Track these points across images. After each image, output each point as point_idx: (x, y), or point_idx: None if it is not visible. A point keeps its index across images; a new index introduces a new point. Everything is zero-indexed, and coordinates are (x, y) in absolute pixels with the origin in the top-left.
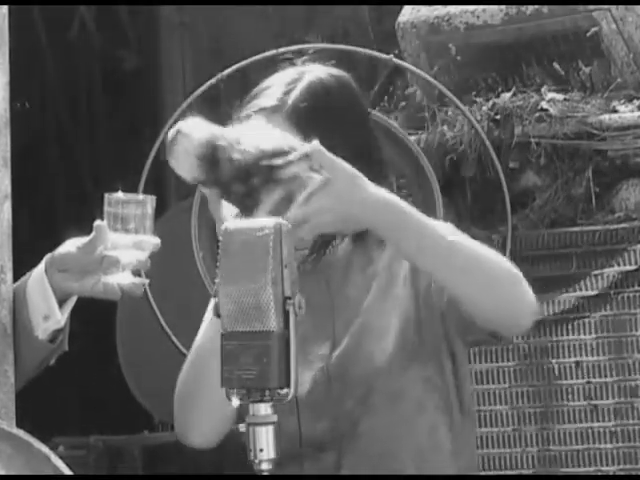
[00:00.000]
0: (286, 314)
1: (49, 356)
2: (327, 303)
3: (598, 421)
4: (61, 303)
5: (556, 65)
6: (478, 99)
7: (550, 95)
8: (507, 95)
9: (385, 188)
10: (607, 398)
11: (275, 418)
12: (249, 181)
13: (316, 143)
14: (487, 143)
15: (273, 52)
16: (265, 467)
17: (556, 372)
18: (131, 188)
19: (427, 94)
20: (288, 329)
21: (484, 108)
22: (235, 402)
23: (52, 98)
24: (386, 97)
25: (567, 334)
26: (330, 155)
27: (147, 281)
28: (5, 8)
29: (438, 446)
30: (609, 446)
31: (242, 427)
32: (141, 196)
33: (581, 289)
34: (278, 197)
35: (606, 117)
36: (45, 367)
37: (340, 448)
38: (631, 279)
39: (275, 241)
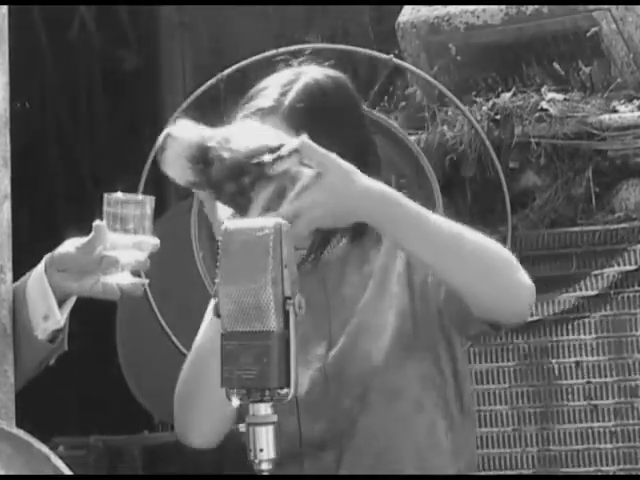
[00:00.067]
0: (286, 314)
1: (49, 356)
2: (323, 303)
3: (598, 421)
4: (61, 303)
5: (556, 65)
6: (478, 99)
7: (550, 95)
8: (507, 95)
9: None
10: (607, 398)
11: (275, 418)
12: (241, 180)
13: (304, 137)
14: (487, 143)
15: (273, 52)
16: (265, 467)
17: (556, 372)
18: (131, 188)
19: (427, 94)
20: (288, 329)
21: (484, 108)
22: (235, 402)
23: (52, 98)
24: (386, 97)
25: (567, 334)
26: (319, 148)
27: (146, 281)
28: (5, 8)
29: (437, 444)
30: (609, 446)
31: (242, 427)
32: (140, 196)
33: (581, 289)
34: (270, 194)
35: (606, 117)
36: (45, 367)
37: (340, 447)
38: (631, 279)
39: (275, 241)
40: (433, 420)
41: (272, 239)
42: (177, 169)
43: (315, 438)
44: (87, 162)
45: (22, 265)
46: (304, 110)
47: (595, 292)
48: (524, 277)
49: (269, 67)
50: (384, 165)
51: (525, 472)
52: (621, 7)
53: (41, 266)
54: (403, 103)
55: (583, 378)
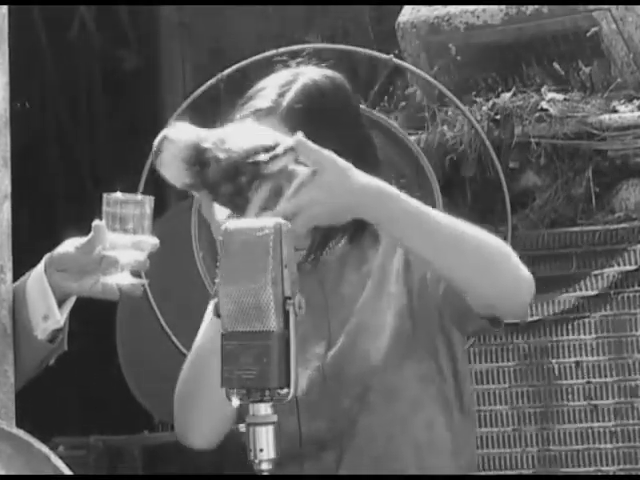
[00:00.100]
0: (286, 314)
1: (49, 356)
2: (322, 303)
3: (598, 421)
4: (60, 303)
5: (556, 65)
6: (478, 99)
7: (550, 95)
8: (507, 95)
9: None
10: (607, 398)
11: (275, 418)
12: (237, 180)
13: (299, 135)
14: (487, 143)
15: (273, 52)
16: (265, 467)
17: (556, 372)
18: (131, 188)
19: (427, 94)
20: (288, 329)
21: (484, 108)
22: (235, 402)
23: (52, 98)
24: (386, 97)
25: (567, 334)
26: (314, 146)
27: (145, 281)
28: (5, 8)
29: (436, 443)
30: (609, 446)
31: (242, 427)
32: (139, 196)
33: (581, 289)
34: (267, 193)
35: (606, 117)
36: (45, 367)
37: (340, 447)
38: (631, 279)
39: (275, 241)
40: (432, 419)
41: (272, 239)
42: (173, 171)
43: (315, 438)
44: (87, 162)
45: (22, 265)
46: (302, 111)
47: (595, 292)
48: (523, 271)
49: (269, 67)
50: (384, 165)
51: (525, 472)
52: (621, 7)
53: (41, 266)
54: (403, 103)
55: (583, 378)
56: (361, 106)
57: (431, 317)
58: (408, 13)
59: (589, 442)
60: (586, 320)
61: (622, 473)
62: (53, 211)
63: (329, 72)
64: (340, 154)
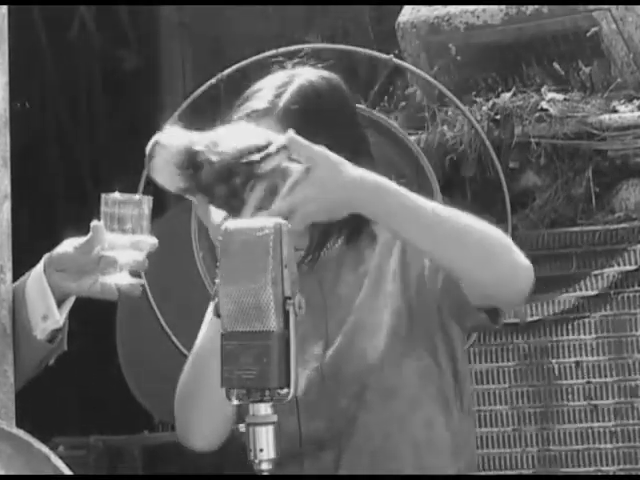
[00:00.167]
0: (286, 314)
1: (48, 356)
2: (320, 303)
3: (598, 421)
4: (60, 303)
5: (556, 65)
6: (478, 99)
7: (550, 95)
8: (507, 95)
9: None
10: (607, 398)
11: (275, 418)
12: (231, 181)
13: (291, 133)
14: (487, 143)
15: (273, 52)
16: (265, 467)
17: (556, 372)
18: (131, 188)
19: (427, 94)
20: (288, 329)
21: (484, 108)
22: (235, 402)
23: (52, 98)
24: (386, 97)
25: (567, 334)
26: (307, 143)
27: (144, 281)
28: (5, 8)
29: (435, 442)
30: (609, 446)
31: (242, 427)
32: (138, 196)
33: (581, 289)
34: (262, 192)
35: (606, 117)
36: (45, 367)
37: (339, 446)
38: (631, 279)
39: (275, 241)
40: (432, 418)
41: (272, 239)
42: (166, 176)
43: (314, 438)
44: (87, 162)
45: (22, 265)
46: (298, 112)
47: (595, 292)
48: (522, 259)
49: (269, 67)
50: (384, 165)
51: (525, 472)
52: (621, 7)
53: (40, 266)
54: (403, 103)
55: (583, 378)
56: (361, 106)
57: (430, 315)
58: (408, 13)
59: (589, 442)
60: (586, 320)
61: (622, 473)
62: (53, 211)
63: (325, 73)
64: (336, 154)
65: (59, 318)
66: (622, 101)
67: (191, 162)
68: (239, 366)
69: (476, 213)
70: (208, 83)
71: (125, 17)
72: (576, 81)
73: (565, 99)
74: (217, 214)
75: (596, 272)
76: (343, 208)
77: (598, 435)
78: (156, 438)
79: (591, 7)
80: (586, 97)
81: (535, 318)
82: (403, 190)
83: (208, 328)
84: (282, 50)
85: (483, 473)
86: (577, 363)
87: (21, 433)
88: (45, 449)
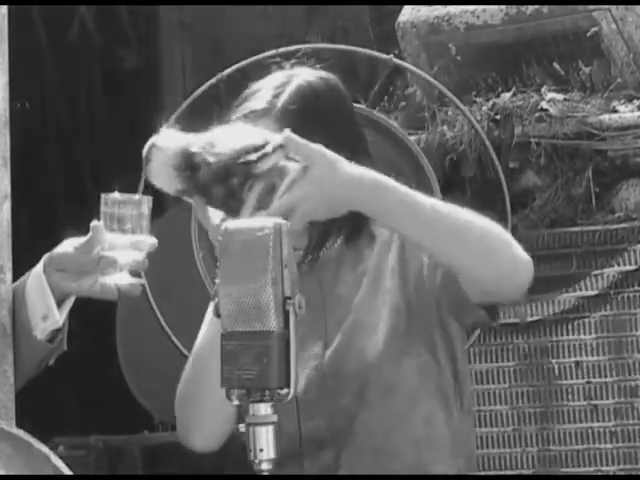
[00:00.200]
0: (286, 314)
1: (48, 356)
2: (319, 303)
3: (598, 421)
4: (60, 303)
5: (556, 65)
6: (478, 99)
7: (550, 95)
8: (507, 95)
9: None
10: (607, 398)
11: (275, 418)
12: (229, 182)
13: (287, 132)
14: (487, 143)
15: (273, 52)
16: (265, 467)
17: (556, 372)
18: (131, 188)
19: (427, 94)
20: (288, 329)
21: (484, 108)
22: (235, 402)
23: (52, 98)
24: (386, 97)
25: (567, 334)
26: (303, 141)
27: (144, 281)
28: (5, 8)
29: (435, 438)
30: (609, 446)
31: (242, 427)
32: (137, 196)
33: (581, 289)
34: (260, 192)
35: (606, 117)
36: (45, 367)
37: (339, 445)
38: (631, 279)
39: (275, 241)
40: (431, 415)
41: (272, 239)
42: (164, 179)
43: (314, 437)
44: (87, 162)
45: (22, 265)
46: (297, 112)
47: (595, 292)
48: (521, 253)
49: (268, 68)
50: (384, 165)
51: (525, 472)
52: (621, 7)
53: (40, 266)
54: (403, 103)
55: (583, 378)
56: (361, 106)
57: (428, 311)
58: (408, 13)
59: (589, 442)
60: (586, 320)
61: (622, 473)
62: (53, 211)
63: (323, 73)
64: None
65: (59, 318)
66: (622, 101)
67: (188, 164)
68: (239, 366)
69: (476, 213)
70: (208, 83)
71: (125, 17)
72: (576, 81)
73: (565, 99)
74: (216, 215)
75: (596, 272)
76: (342, 206)
77: (598, 435)
78: (156, 438)
79: (591, 7)
80: (586, 97)
81: (535, 318)
82: (402, 187)
83: (208, 328)
84: (282, 50)
85: (483, 473)
86: (577, 363)
87: (21, 433)
88: (45, 449)
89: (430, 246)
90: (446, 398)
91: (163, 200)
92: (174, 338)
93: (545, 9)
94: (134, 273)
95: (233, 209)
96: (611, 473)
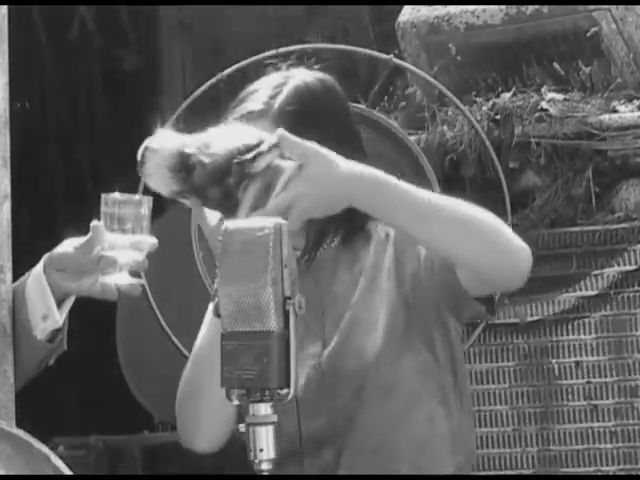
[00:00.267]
0: (286, 314)
1: (48, 356)
2: (317, 302)
3: (598, 421)
4: (60, 303)
5: (556, 65)
6: (478, 99)
7: (550, 95)
8: (507, 95)
9: None
10: (607, 398)
11: (275, 418)
12: (224, 182)
13: (281, 130)
14: (487, 143)
15: (273, 52)
16: (265, 467)
17: (556, 372)
18: (131, 188)
19: (427, 94)
20: (288, 329)
21: (484, 108)
22: (235, 402)
23: (52, 98)
24: (386, 97)
25: (567, 334)
26: (298, 139)
27: (143, 281)
28: (5, 8)
29: (435, 437)
30: (609, 446)
31: (242, 427)
32: (138, 196)
33: (581, 289)
34: (256, 192)
35: (606, 117)
36: (45, 367)
37: (338, 444)
38: (631, 279)
39: (275, 241)
40: (431, 414)
41: (272, 239)
42: (159, 180)
43: (314, 436)
44: (87, 162)
45: (22, 265)
46: (294, 113)
47: (595, 292)
48: (519, 242)
49: (266, 68)
50: (384, 165)
51: (525, 472)
52: (621, 7)
53: (40, 266)
54: (403, 103)
55: (583, 378)
56: (361, 106)
57: (427, 310)
58: (408, 13)
59: (589, 442)
60: (586, 320)
61: (622, 473)
62: (53, 211)
63: (320, 74)
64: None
65: (59, 318)
66: (622, 101)
67: (183, 165)
68: (239, 366)
69: None
70: (208, 83)
71: (125, 17)
72: (576, 81)
73: (565, 99)
74: (212, 216)
75: (596, 272)
76: (338, 203)
77: (598, 435)
78: (156, 438)
79: (591, 7)
80: (586, 97)
81: (535, 318)
82: (401, 183)
83: (208, 328)
84: (282, 50)
85: (483, 473)
86: (577, 363)
87: (21, 433)
88: (45, 449)
89: (429, 239)
90: (446, 396)
91: (163, 200)
92: (174, 338)
93: (545, 9)
94: (134, 273)
95: (229, 209)
96: (611, 473)
